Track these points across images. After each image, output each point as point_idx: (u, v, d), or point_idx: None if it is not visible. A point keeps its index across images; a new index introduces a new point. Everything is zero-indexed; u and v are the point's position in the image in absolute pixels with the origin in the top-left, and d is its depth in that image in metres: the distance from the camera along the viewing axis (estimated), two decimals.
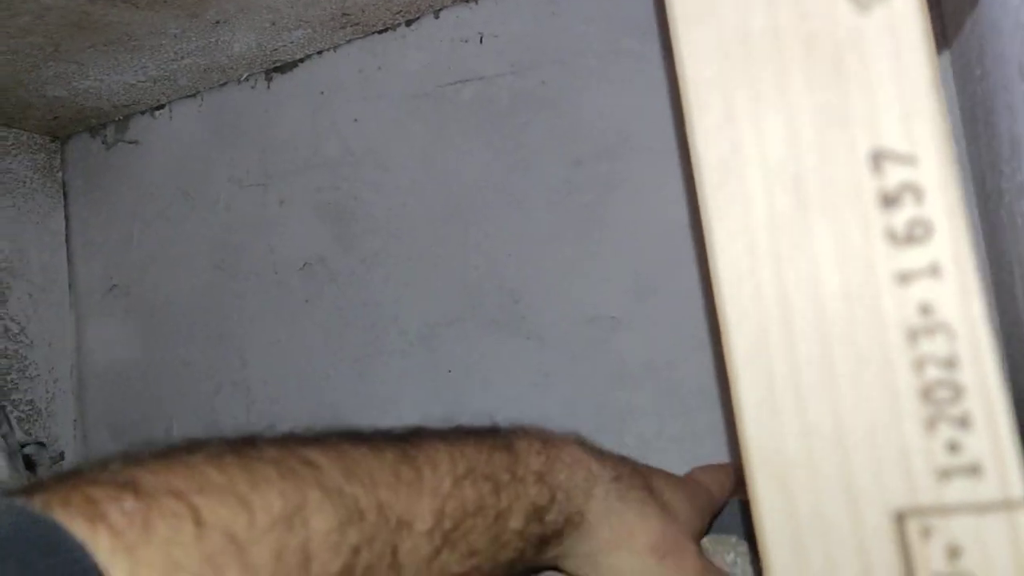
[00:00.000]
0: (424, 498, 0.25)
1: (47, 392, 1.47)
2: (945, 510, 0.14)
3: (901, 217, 0.15)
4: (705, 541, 0.43)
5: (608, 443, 1.43)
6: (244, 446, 0.25)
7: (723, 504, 0.42)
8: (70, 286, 1.56)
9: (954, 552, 0.14)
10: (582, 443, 0.38)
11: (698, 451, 1.16)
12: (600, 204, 1.23)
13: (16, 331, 1.45)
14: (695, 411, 1.16)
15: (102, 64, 1.28)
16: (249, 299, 1.45)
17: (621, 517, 0.33)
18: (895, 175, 0.15)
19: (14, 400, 1.30)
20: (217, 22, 1.20)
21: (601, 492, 0.34)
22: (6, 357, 1.43)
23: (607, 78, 1.22)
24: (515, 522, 0.28)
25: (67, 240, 1.57)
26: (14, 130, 1.54)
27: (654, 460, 1.37)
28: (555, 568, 0.33)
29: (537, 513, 0.30)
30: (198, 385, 1.45)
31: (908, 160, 0.15)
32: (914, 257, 0.15)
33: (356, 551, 0.23)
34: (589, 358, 1.21)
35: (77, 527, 0.20)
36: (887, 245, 0.15)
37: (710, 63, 0.16)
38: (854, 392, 0.15)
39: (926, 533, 0.14)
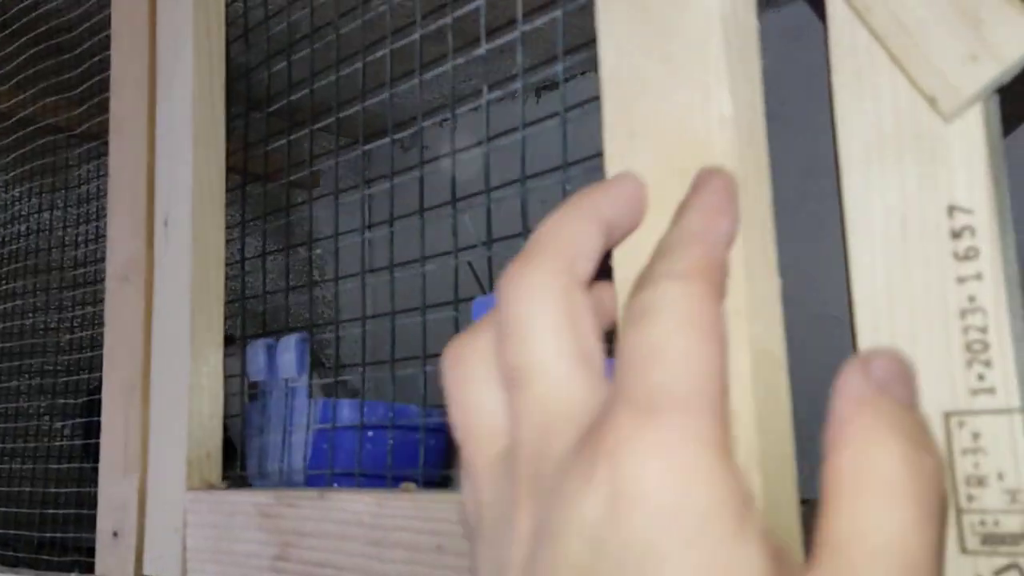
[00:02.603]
0: None
1: (349, 347, 1.78)
2: (973, 412, 0.25)
3: (962, 244, 0.26)
4: None
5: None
6: None
7: None
8: None
9: (976, 436, 0.25)
10: None
11: None
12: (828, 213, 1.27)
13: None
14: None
15: None
16: None
17: None
18: (961, 220, 0.26)
19: (328, 353, 1.58)
20: None
21: None
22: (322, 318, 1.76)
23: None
24: None
25: None
26: None
27: None
28: None
29: None
30: None
31: (969, 211, 0.26)
32: (968, 268, 0.26)
33: None
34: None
35: None
36: (953, 260, 0.26)
37: (858, 145, 0.28)
38: (926, 346, 0.26)
39: (961, 424, 0.25)
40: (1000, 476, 0.25)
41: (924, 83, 0.26)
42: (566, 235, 0.23)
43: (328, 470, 0.47)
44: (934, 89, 0.26)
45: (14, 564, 0.77)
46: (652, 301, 0.21)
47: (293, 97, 0.57)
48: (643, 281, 0.22)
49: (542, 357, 0.22)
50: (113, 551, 0.58)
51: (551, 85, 1.64)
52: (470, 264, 0.73)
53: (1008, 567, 0.24)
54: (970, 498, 0.25)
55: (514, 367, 0.22)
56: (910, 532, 0.19)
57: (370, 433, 0.49)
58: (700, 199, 0.24)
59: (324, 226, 1.77)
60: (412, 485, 0.39)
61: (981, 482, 0.25)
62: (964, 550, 0.25)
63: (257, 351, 0.56)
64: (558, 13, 0.41)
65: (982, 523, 0.25)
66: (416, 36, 0.48)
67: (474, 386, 0.23)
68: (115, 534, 0.58)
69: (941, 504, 0.20)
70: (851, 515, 0.19)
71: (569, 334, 0.22)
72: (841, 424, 0.20)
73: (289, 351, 0.53)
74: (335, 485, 0.48)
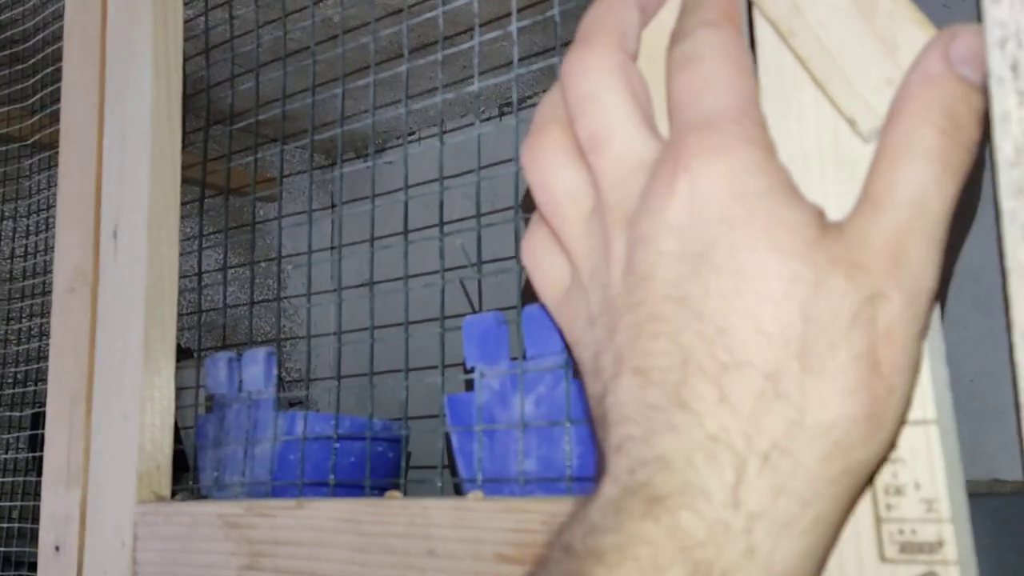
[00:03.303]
0: None
1: (312, 362, 1.76)
2: None
3: None
4: None
5: None
6: None
7: None
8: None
9: (894, 446, 0.26)
10: None
11: None
12: None
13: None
14: None
15: None
16: None
17: None
18: None
19: (287, 367, 1.57)
20: None
21: None
22: (285, 332, 1.75)
23: None
24: None
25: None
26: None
27: None
28: None
29: None
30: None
31: None
32: None
33: None
34: None
35: None
36: None
37: (783, 162, 0.29)
38: None
39: None
40: (917, 486, 0.25)
41: (844, 105, 0.27)
42: (613, 19, 0.27)
43: (299, 481, 0.47)
44: (854, 111, 0.27)
45: None
46: (693, 47, 0.25)
47: (262, 116, 0.57)
48: (679, 35, 0.26)
49: (614, 122, 0.26)
50: (55, 566, 0.57)
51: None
52: (462, 283, 0.73)
53: (925, 575, 0.25)
54: (889, 507, 0.26)
55: (591, 135, 0.26)
56: (932, 186, 0.23)
57: (337, 445, 0.49)
58: None
59: (286, 241, 1.74)
60: (398, 493, 0.40)
61: (899, 491, 0.26)
62: (883, 558, 0.26)
63: (218, 364, 0.56)
64: (556, 60, 0.42)
65: (900, 532, 0.26)
66: (403, 68, 0.49)
67: (554, 169, 0.27)
68: (57, 549, 0.57)
69: (964, 169, 0.24)
70: (888, 173, 0.23)
71: (632, 101, 0.26)
72: (905, 98, 0.24)
73: (256, 364, 0.53)
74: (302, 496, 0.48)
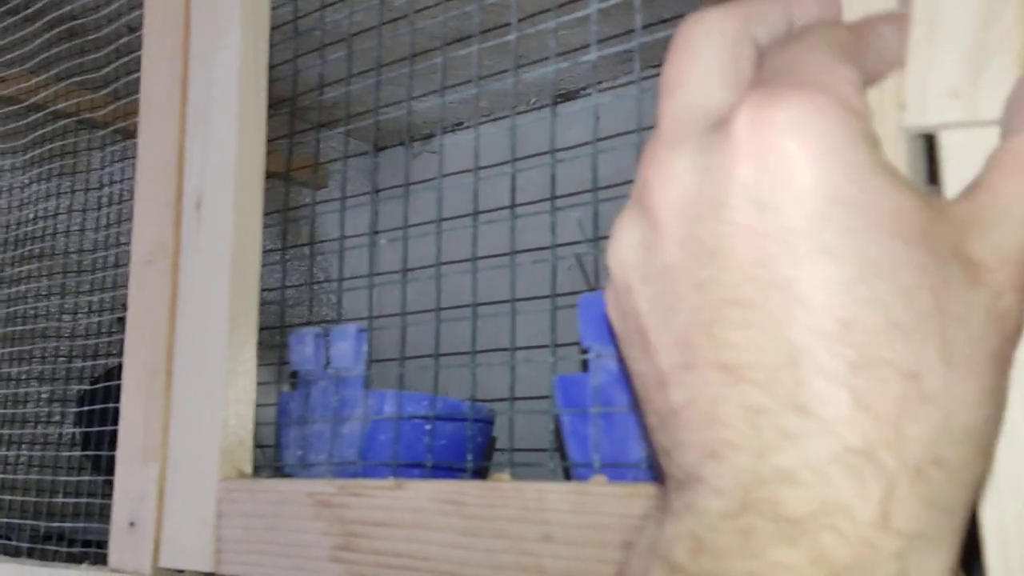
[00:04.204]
0: None
1: (375, 345, 1.76)
2: None
3: None
4: None
5: None
6: None
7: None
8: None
9: None
10: None
11: None
12: None
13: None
14: None
15: None
16: None
17: None
18: None
19: None
20: None
21: None
22: (326, 321, 1.74)
23: None
24: None
25: None
26: None
27: None
28: None
29: None
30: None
31: None
32: None
33: None
34: None
35: None
36: None
37: None
38: None
39: None
40: None
41: (910, 87, 0.25)
42: (754, 4, 0.26)
43: (392, 462, 0.46)
44: (912, 99, 0.25)
45: (15, 554, 0.75)
46: (799, 32, 0.24)
47: (323, 97, 0.56)
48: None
49: (696, 72, 0.24)
50: (129, 542, 0.57)
51: (570, 95, 1.64)
52: (578, 258, 0.71)
53: None
54: None
55: (669, 78, 0.25)
56: None
57: (428, 426, 0.48)
58: None
59: (332, 228, 1.73)
60: (505, 475, 0.38)
61: None
62: None
63: (304, 340, 0.55)
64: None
65: None
66: (476, 48, 0.47)
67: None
68: (132, 524, 0.56)
69: None
70: (1019, 185, 0.22)
71: (727, 63, 0.24)
72: None
73: (346, 340, 0.52)
74: (390, 476, 0.46)
